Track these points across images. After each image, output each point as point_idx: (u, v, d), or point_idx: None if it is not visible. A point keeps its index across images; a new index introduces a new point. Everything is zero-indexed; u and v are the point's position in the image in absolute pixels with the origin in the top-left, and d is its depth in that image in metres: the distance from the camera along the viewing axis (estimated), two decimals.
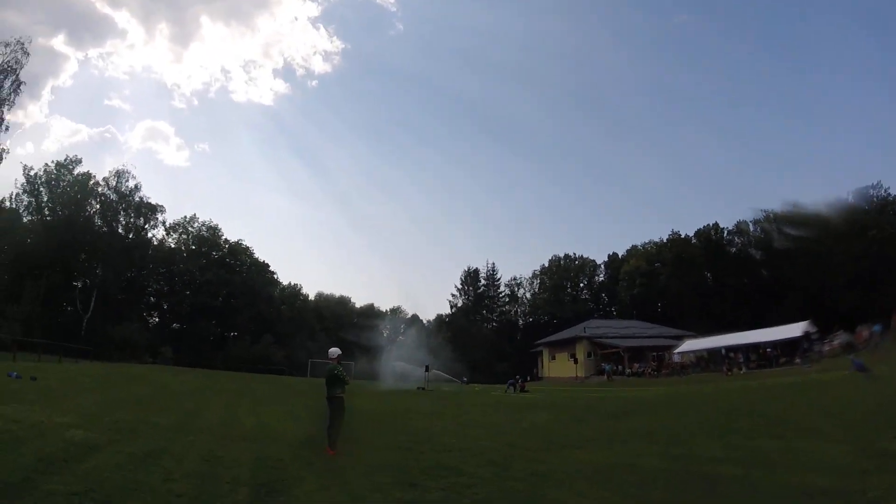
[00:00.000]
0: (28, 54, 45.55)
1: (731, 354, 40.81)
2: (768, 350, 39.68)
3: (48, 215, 62.55)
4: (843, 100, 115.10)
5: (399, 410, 21.51)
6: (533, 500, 7.16)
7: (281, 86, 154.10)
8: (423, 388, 39.82)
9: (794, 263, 61.64)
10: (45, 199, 63.04)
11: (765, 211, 72.43)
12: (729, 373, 36.86)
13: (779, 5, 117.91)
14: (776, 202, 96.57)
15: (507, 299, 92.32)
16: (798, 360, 35.08)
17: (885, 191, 61.83)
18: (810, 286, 57.74)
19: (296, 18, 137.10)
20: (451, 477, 8.61)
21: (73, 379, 21.55)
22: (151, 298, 77.01)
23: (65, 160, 64.69)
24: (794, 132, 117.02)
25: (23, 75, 45.04)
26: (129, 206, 67.69)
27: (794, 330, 37.75)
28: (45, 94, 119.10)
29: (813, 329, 37.70)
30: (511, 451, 11.18)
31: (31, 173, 62.54)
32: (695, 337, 49.27)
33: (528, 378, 50.36)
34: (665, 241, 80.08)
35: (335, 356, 10.86)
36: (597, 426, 14.98)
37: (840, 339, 34.97)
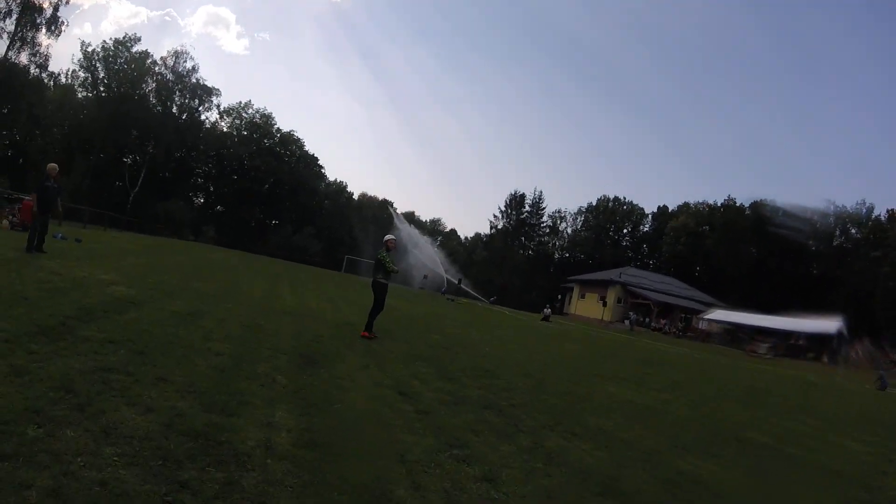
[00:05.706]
0: None
1: (758, 337, 39.40)
2: (800, 342, 38.32)
3: (103, 91, 62.40)
4: None
5: (432, 315, 21.67)
6: (571, 418, 6.93)
7: None
8: (452, 300, 40.32)
9: (846, 264, 59.94)
10: (102, 75, 62.67)
11: (832, 202, 69.20)
12: (751, 354, 35.89)
13: None
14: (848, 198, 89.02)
15: (548, 230, 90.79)
16: (826, 359, 34.27)
17: None
18: (858, 291, 55.74)
19: None
20: (489, 378, 8.57)
21: (118, 245, 22.01)
22: (199, 179, 78.36)
23: (123, 38, 64.02)
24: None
25: None
26: (185, 87, 67.64)
27: (828, 326, 35.64)
28: None
29: (846, 329, 35.92)
30: (545, 370, 11.10)
31: (89, 49, 62.14)
32: (726, 308, 48.41)
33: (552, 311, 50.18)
34: (719, 205, 76.50)
35: (388, 241, 10.77)
36: (625, 368, 14.83)
37: (866, 347, 33.66)
